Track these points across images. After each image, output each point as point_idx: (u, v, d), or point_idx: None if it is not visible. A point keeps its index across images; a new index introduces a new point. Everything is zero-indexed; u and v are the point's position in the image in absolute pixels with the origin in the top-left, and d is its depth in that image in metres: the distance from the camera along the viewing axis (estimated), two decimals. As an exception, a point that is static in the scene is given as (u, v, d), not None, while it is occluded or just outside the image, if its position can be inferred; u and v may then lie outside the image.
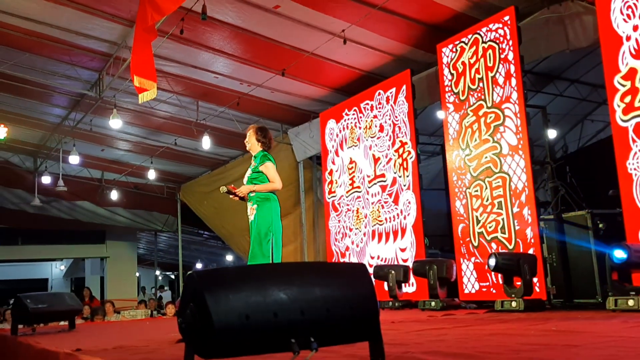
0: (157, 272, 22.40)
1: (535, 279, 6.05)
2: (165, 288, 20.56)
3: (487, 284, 6.76)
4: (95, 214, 15.28)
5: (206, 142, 10.73)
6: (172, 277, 27.72)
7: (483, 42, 6.97)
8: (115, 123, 9.76)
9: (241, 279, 2.24)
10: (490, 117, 6.83)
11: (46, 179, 13.19)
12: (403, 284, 7.79)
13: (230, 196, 5.28)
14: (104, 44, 8.42)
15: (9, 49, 8.50)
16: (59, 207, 14.87)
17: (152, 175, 13.42)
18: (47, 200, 14.29)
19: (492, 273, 6.50)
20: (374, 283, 2.58)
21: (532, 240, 6.25)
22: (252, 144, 5.46)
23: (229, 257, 22.32)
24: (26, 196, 14.03)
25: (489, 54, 6.87)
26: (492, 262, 5.95)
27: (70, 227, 16.14)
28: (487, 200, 6.81)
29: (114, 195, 14.63)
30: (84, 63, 8.97)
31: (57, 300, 6.02)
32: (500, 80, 6.71)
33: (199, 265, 23.12)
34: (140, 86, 6.92)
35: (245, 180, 5.35)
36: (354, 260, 9.15)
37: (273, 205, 5.22)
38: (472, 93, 7.11)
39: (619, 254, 4.78)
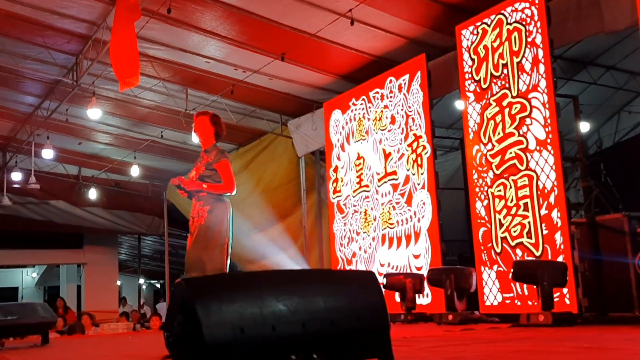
0: (141, 281, 22.42)
1: (565, 290, 6.05)
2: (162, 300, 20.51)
3: (511, 295, 6.76)
4: (72, 215, 15.29)
5: (196, 135, 10.72)
6: (158, 286, 27.77)
7: (508, 23, 6.96)
8: (94, 113, 9.77)
9: (236, 288, 2.25)
10: (516, 108, 6.82)
11: (16, 176, 13.19)
12: (417, 295, 7.80)
13: (178, 191, 5.09)
14: (82, 24, 8.43)
15: (-26, 29, 8.52)
16: (31, 207, 14.89)
17: (135, 171, 13.44)
18: (17, 199, 14.30)
19: (517, 283, 6.51)
20: (384, 293, 2.59)
21: (562, 247, 6.24)
22: (206, 134, 5.23)
23: (221, 264, 22.29)
24: (-6, 195, 14.05)
25: (514, 37, 6.86)
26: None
27: (43, 230, 16.15)
28: (512, 201, 6.81)
29: (93, 194, 14.65)
30: (59, 45, 8.97)
31: (28, 311, 6.04)
32: (527, 66, 6.70)
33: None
34: (121, 72, 6.93)
35: (193, 177, 5.13)
36: (361, 267, 9.15)
37: (228, 207, 5.08)
38: (495, 81, 7.10)
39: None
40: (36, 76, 10.09)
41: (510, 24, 6.92)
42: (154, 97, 10.43)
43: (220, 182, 5.04)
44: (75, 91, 9.91)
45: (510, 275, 6.24)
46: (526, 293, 6.51)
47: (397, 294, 7.87)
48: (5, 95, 10.95)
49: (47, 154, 11.81)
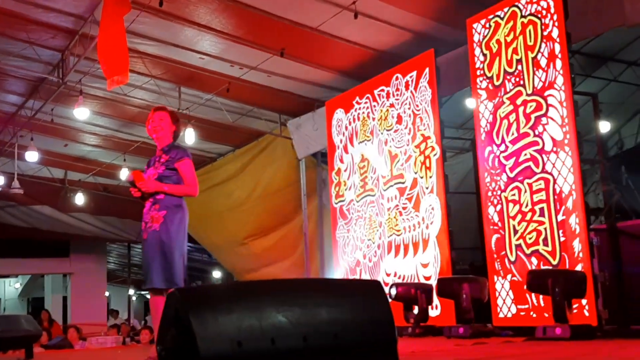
0: (131, 292, 22.41)
1: (583, 301, 6.04)
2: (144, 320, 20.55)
3: (526, 306, 6.75)
4: (57, 221, 15.31)
5: (190, 136, 10.76)
6: (149, 297, 27.78)
7: (522, 16, 6.96)
8: (81, 113, 9.79)
9: (233, 299, 2.25)
10: (531, 107, 6.82)
11: (-2, 180, 13.23)
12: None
13: (131, 189, 4.92)
14: (68, 18, 8.45)
15: (-47, 24, 8.53)
16: (14, 213, 14.91)
17: (125, 175, 13.45)
18: (-1, 204, 14.35)
19: (532, 294, 6.50)
20: (390, 304, 2.59)
21: (581, 255, 6.23)
22: (166, 131, 5.09)
23: (217, 274, 22.35)
24: (-26, 200, 14.08)
25: (529, 31, 6.86)
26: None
27: (26, 237, 16.14)
28: (527, 206, 6.80)
29: (80, 199, 14.66)
30: (44, 41, 9.00)
31: (11, 324, 6.04)
32: (543, 62, 6.70)
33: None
34: (109, 70, 6.94)
35: (151, 178, 4.98)
36: (365, 277, 9.15)
37: (186, 213, 4.98)
38: (508, 77, 7.10)
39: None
40: (19, 74, 10.12)
41: (525, 16, 6.92)
42: (144, 95, 10.45)
43: (181, 183, 4.92)
44: (61, 90, 9.92)
45: (525, 285, 6.23)
46: (542, 304, 6.50)
47: (403, 305, 7.86)
48: (-13, 94, 10.97)
49: (31, 156, 11.82)
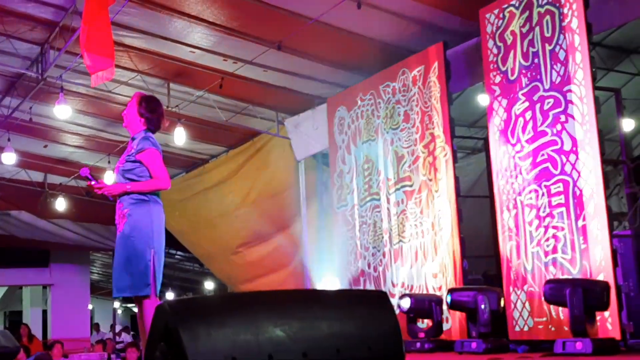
0: (116, 305, 22.43)
1: (606, 313, 6.03)
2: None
3: (544, 319, 6.76)
4: (36, 228, 15.31)
5: (179, 136, 10.77)
6: (136, 310, 27.80)
7: (539, 5, 6.97)
8: (62, 111, 9.78)
9: (226, 311, 2.25)
10: (549, 103, 6.83)
11: (-27, 184, 13.25)
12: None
13: (91, 191, 4.75)
14: (48, 9, 8.46)
15: None
16: (-11, 220, 14.92)
17: (110, 178, 13.47)
18: (-27, 210, 14.35)
19: (551, 306, 6.50)
20: (397, 316, 2.59)
21: (603, 263, 6.23)
22: (131, 118, 4.86)
23: (209, 285, 22.36)
24: (-54, 205, 14.09)
25: (547, 22, 6.88)
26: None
27: (3, 246, 16.17)
28: (544, 210, 6.80)
29: (60, 204, 14.65)
30: (22, 34, 9.01)
31: (-13, 339, 6.05)
32: (562, 55, 6.70)
33: (170, 295, 23.16)
34: (93, 64, 6.95)
35: (116, 173, 4.87)
36: (370, 288, 9.14)
37: (154, 209, 4.71)
38: (524, 72, 7.11)
39: None
40: (-5, 69, 10.14)
41: (542, 5, 6.93)
42: (130, 92, 10.38)
43: (146, 176, 4.70)
44: (40, 86, 9.95)
45: (543, 296, 6.23)
46: (561, 317, 6.50)
47: (411, 319, 7.86)
48: (-40, 91, 10.98)
49: (8, 158, 11.81)
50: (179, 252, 18.23)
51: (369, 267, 9.32)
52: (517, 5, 7.21)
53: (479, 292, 7.09)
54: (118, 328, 20.60)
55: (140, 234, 4.63)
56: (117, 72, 8.22)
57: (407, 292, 8.42)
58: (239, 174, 12.26)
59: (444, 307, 7.62)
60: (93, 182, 4.78)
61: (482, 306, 6.92)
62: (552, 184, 6.74)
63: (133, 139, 4.87)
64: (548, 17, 6.86)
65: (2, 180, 13.66)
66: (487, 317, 6.87)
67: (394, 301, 7.92)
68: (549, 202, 6.75)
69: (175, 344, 2.10)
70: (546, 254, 6.77)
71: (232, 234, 12.61)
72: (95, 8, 6.67)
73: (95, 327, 19.06)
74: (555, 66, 6.76)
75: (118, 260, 4.72)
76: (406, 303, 7.63)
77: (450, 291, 7.40)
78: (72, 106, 10.15)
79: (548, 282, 6.26)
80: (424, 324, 7.96)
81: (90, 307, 19.51)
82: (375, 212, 9.24)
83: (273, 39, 8.70)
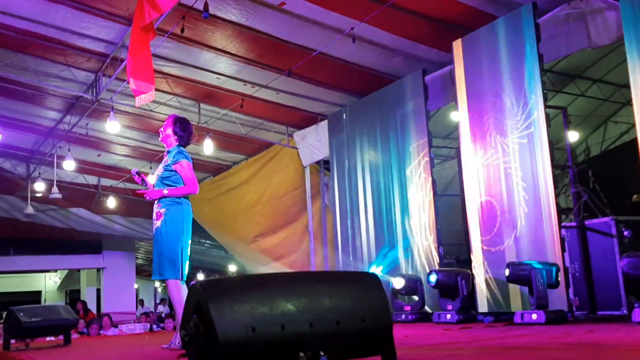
0: (157, 284, 22.42)
1: (555, 291, 6.01)
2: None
3: (505, 295, 6.72)
4: (91, 222, 15.30)
5: (208, 146, 10.76)
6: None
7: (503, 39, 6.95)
8: (113, 126, 9.77)
9: (247, 289, 2.25)
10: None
11: (39, 186, 13.19)
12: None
13: (140, 192, 4.87)
14: (101, 43, 8.47)
15: (0, 49, 8.55)
16: (53, 215, 14.89)
17: (151, 181, 13.45)
18: (40, 207, 14.32)
19: (510, 284, 6.48)
20: (387, 293, 2.58)
21: (555, 250, 6.21)
22: (167, 136, 5.00)
23: (232, 268, 22.34)
24: (18, 204, 14.03)
25: (509, 51, 6.85)
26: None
27: (64, 237, 16.18)
28: (507, 205, 6.77)
29: (111, 202, 14.65)
30: (80, 64, 9.02)
31: (51, 313, 6.03)
32: (520, 79, 6.68)
33: (200, 276, 23.15)
34: (138, 88, 6.94)
35: (154, 179, 4.97)
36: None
37: (185, 210, 4.82)
38: (490, 91, 7.09)
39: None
40: (58, 92, 10.13)
41: (506, 39, 6.91)
42: (168, 111, 10.43)
43: (180, 183, 4.81)
44: (94, 106, 9.95)
45: (506, 277, 6.22)
46: (519, 294, 6.47)
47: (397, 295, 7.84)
48: (30, 111, 11.00)
49: (68, 165, 11.83)
50: (207, 241, 18.20)
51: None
52: (484, 38, 7.19)
53: (458, 273, 7.05)
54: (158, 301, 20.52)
55: (173, 231, 4.73)
56: (157, 94, 8.21)
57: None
58: (256, 177, 12.24)
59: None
60: (141, 189, 4.95)
61: (461, 285, 6.90)
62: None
63: (168, 152, 4.99)
64: (511, 47, 6.84)
65: (64, 183, 13.64)
66: (465, 294, 6.85)
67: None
68: (511, 198, 6.72)
69: (206, 316, 2.10)
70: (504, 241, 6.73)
71: (251, 226, 12.59)
72: (139, 42, 6.66)
73: (140, 302, 19.05)
74: (515, 87, 6.74)
75: (155, 250, 4.82)
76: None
77: (439, 272, 7.12)
78: (120, 122, 10.15)
79: (510, 264, 6.22)
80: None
81: (135, 286, 19.50)
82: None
83: (284, 67, 8.70)
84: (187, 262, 4.76)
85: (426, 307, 7.77)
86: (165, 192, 4.79)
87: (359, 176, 9.42)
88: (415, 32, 7.75)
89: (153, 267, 4.83)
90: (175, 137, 4.98)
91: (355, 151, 9.55)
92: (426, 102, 8.17)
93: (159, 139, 5.08)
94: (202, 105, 10.29)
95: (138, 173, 5.03)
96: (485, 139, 7.08)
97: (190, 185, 4.81)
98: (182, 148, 4.96)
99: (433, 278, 7.01)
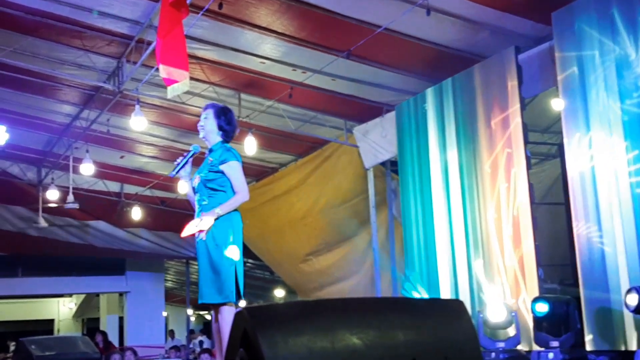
0: (190, 311, 22.74)
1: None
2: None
3: (621, 328, 6.55)
4: (113, 237, 15.57)
5: (250, 145, 10.85)
6: (208, 317, 28.13)
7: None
8: (138, 122, 9.93)
9: (304, 318, 2.25)
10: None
11: (53, 194, 13.40)
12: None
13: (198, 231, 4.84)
14: (124, 23, 8.65)
15: (6, 32, 8.77)
16: (68, 229, 15.19)
17: (183, 188, 13.64)
18: (53, 220, 14.63)
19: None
20: (475, 325, 2.55)
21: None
22: (210, 130, 4.98)
23: (279, 292, 22.46)
24: (28, 215, 14.38)
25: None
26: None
27: (81, 255, 16.51)
28: None
29: (136, 213, 14.87)
30: (100, 48, 9.22)
31: (67, 345, 6.20)
32: None
33: (241, 303, 23.40)
34: (169, 76, 7.07)
35: (195, 182, 4.98)
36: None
37: (234, 219, 4.91)
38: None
39: None
40: (74, 82, 10.37)
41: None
42: (203, 103, 10.53)
43: (227, 186, 4.88)
44: (117, 99, 10.12)
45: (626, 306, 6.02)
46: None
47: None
48: (41, 105, 11.26)
49: (87, 169, 11.99)
50: (249, 260, 18.36)
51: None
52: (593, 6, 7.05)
53: (569, 302, 6.85)
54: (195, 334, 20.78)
55: (225, 242, 4.78)
56: (190, 83, 8.35)
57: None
58: (307, 182, 12.28)
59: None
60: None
61: (573, 316, 6.70)
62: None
63: (211, 150, 5.01)
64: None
65: (81, 191, 13.86)
66: (579, 327, 6.67)
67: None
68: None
69: (254, 349, 2.12)
70: None
71: (301, 241, 12.64)
72: (169, 22, 6.79)
73: (170, 333, 19.31)
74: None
75: (204, 268, 4.84)
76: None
77: (538, 299, 7.03)
78: (147, 118, 10.25)
79: (635, 289, 5.98)
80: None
81: (164, 314, 19.79)
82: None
83: (341, 48, 8.71)
84: (242, 281, 4.84)
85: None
86: (218, 211, 4.81)
87: (435, 180, 9.34)
88: (505, 0, 7.65)
89: (200, 288, 4.88)
90: (221, 132, 4.99)
91: (429, 150, 9.48)
92: (520, 87, 8.06)
93: (200, 136, 5.09)
94: (242, 95, 10.40)
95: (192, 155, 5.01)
96: (595, 133, 6.93)
97: (240, 193, 4.90)
98: (229, 145, 5.00)
99: (542, 308, 6.83)
